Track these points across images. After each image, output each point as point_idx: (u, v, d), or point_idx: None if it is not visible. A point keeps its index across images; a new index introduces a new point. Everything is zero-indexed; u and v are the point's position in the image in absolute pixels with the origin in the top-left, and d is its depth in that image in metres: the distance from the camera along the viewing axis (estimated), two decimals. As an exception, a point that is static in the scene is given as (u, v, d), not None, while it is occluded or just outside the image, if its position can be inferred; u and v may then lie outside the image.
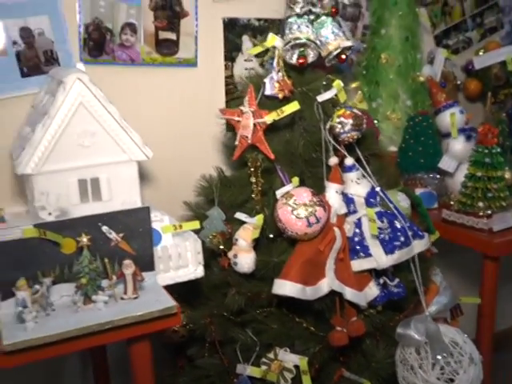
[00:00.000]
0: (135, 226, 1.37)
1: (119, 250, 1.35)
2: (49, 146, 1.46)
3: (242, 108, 1.52)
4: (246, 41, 2.03)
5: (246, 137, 1.51)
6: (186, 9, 1.93)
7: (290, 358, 1.55)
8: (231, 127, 1.73)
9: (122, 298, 1.31)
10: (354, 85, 1.70)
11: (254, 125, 1.50)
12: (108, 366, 1.93)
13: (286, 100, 1.55)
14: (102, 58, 1.84)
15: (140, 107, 1.89)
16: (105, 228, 1.33)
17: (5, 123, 1.72)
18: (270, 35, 1.57)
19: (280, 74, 1.53)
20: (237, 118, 1.53)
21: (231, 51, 2.02)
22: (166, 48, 1.92)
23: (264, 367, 1.56)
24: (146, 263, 1.38)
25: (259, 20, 2.04)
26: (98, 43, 1.83)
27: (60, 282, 1.30)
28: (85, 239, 1.28)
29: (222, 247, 1.56)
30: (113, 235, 1.33)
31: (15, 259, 1.25)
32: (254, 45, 2.04)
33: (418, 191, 1.96)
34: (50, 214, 1.40)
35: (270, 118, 1.49)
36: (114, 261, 1.34)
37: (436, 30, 2.30)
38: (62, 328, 1.19)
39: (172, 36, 1.93)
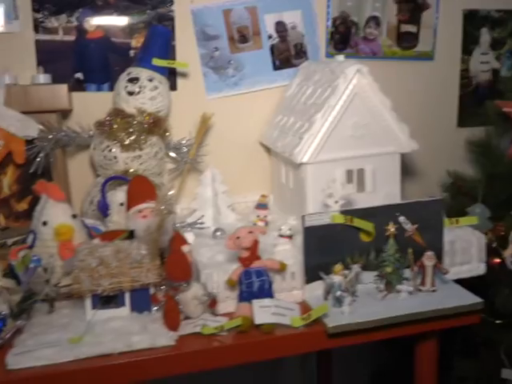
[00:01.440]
0: (428, 217, 1.34)
1: (411, 241, 1.34)
2: (324, 136, 1.49)
3: (528, 100, 1.46)
4: (485, 33, 1.96)
5: (532, 131, 1.44)
6: (428, 1, 1.89)
7: None
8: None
9: (420, 290, 1.29)
10: None
11: (542, 118, 1.43)
12: (331, 356, 1.96)
13: None
14: (346, 51, 1.85)
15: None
16: (402, 218, 1.32)
17: (256, 113, 1.79)
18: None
19: None
20: (520, 111, 1.46)
21: (468, 44, 1.96)
22: (407, 41, 1.90)
23: (536, 375, 1.48)
24: (435, 256, 1.35)
25: (499, 11, 1.96)
26: (344, 36, 1.85)
27: (360, 269, 1.31)
28: (392, 228, 1.28)
29: (494, 245, 1.50)
30: (408, 226, 1.32)
31: (322, 244, 1.28)
32: (492, 38, 1.98)
33: None
34: (336, 202, 1.43)
35: None
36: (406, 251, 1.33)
37: None
38: (376, 315, 1.19)
39: (413, 29, 1.90)
